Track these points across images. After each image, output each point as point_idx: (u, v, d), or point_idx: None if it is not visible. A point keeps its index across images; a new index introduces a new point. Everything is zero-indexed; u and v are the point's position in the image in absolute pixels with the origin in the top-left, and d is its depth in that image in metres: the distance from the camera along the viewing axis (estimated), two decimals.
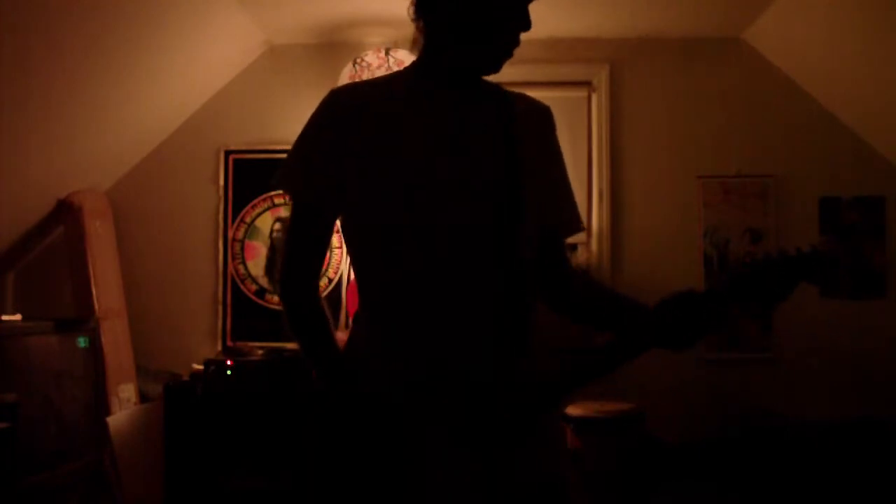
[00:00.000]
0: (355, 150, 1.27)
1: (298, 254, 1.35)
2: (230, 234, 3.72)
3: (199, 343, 3.66)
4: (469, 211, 1.26)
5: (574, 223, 1.46)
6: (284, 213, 3.70)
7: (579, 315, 1.45)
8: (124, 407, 3.29)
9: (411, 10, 1.32)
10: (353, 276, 3.15)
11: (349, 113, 1.29)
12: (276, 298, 3.67)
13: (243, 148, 3.74)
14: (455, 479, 1.21)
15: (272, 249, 3.71)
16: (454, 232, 1.25)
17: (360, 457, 1.24)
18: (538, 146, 1.37)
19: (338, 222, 1.36)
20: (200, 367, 3.22)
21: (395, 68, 3.04)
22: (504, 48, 1.29)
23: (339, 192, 1.29)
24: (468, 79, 1.33)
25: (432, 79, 1.32)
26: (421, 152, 1.27)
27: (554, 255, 1.44)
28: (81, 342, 3.06)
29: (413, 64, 1.37)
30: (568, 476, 1.36)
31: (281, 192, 3.66)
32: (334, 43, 3.63)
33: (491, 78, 1.36)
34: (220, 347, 3.67)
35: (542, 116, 1.41)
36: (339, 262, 3.59)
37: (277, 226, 3.71)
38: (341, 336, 1.37)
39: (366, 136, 1.27)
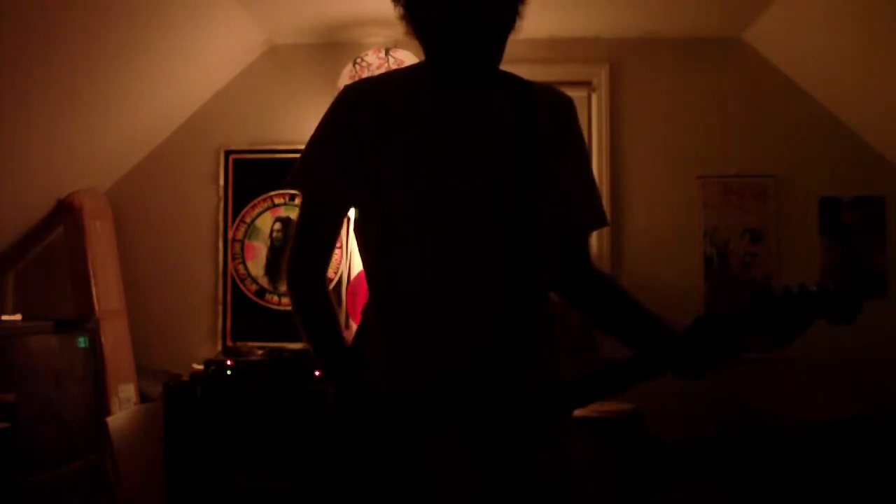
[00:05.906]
0: (364, 146, 1.26)
1: (307, 250, 1.34)
2: (230, 234, 3.72)
3: (199, 343, 3.66)
4: (476, 208, 1.25)
5: (595, 217, 1.43)
6: (284, 212, 3.70)
7: (592, 315, 1.44)
8: (124, 407, 3.29)
9: (399, 14, 1.30)
10: (353, 275, 3.16)
11: (360, 109, 1.29)
12: (275, 298, 3.68)
13: (243, 148, 3.73)
14: (462, 481, 1.21)
15: (272, 249, 3.71)
16: (459, 229, 1.24)
17: (367, 457, 1.24)
18: (557, 139, 1.34)
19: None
20: (200, 367, 3.21)
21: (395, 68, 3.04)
22: (478, 43, 1.25)
23: (348, 189, 1.29)
24: (474, 74, 1.30)
25: (441, 75, 1.31)
26: (427, 150, 1.26)
27: (573, 251, 1.41)
28: (81, 342, 3.06)
29: (424, 60, 1.35)
30: (574, 481, 1.33)
31: (281, 192, 3.68)
32: (334, 43, 3.62)
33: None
34: (220, 347, 3.66)
35: (563, 107, 1.38)
36: (338, 262, 3.58)
37: (277, 226, 3.71)
38: (346, 335, 1.37)
39: (375, 132, 1.27)
